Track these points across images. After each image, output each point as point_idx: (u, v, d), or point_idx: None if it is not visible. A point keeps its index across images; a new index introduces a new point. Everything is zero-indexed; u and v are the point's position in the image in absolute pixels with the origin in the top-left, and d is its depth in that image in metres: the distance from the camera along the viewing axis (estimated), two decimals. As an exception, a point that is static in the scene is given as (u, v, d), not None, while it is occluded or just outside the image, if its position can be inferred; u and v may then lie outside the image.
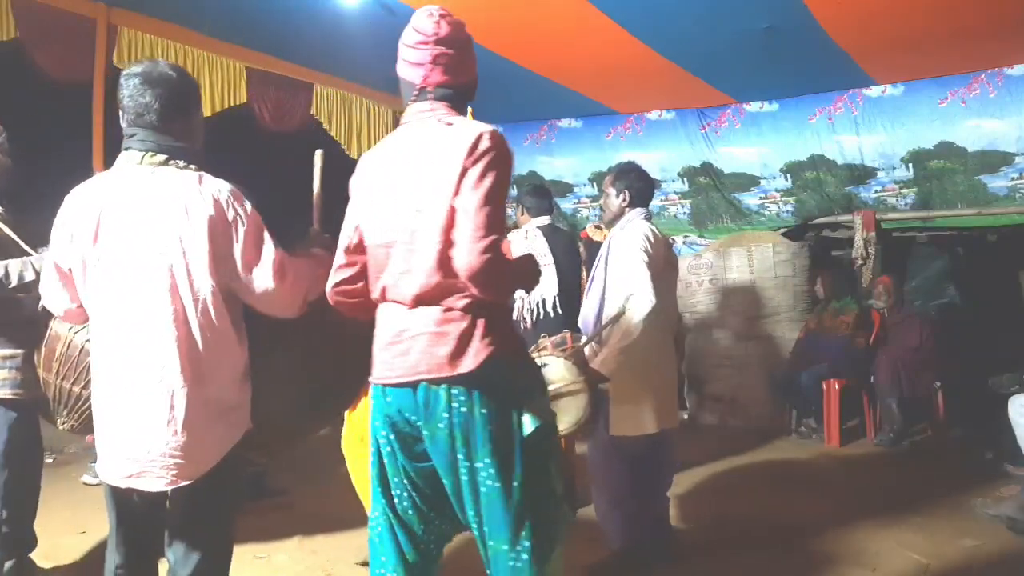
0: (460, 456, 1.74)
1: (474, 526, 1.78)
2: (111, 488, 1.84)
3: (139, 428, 1.74)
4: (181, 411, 1.73)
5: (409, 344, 1.75)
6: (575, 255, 4.10)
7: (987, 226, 5.73)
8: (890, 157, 5.63)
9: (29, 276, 2.45)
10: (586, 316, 3.18)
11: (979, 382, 4.77)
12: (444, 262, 1.71)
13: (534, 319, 3.82)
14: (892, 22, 4.27)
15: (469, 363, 1.71)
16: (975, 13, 4.18)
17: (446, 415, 1.72)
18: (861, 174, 5.80)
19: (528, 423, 1.77)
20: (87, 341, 1.99)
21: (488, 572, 1.81)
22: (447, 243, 1.70)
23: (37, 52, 3.97)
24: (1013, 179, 5.28)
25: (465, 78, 1.89)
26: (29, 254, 2.55)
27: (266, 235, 1.82)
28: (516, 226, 4.27)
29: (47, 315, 2.14)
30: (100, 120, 4.13)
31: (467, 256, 1.65)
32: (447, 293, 1.73)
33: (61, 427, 2.26)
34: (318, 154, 2.18)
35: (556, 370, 2.98)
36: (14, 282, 2.47)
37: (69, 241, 1.80)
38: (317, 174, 2.16)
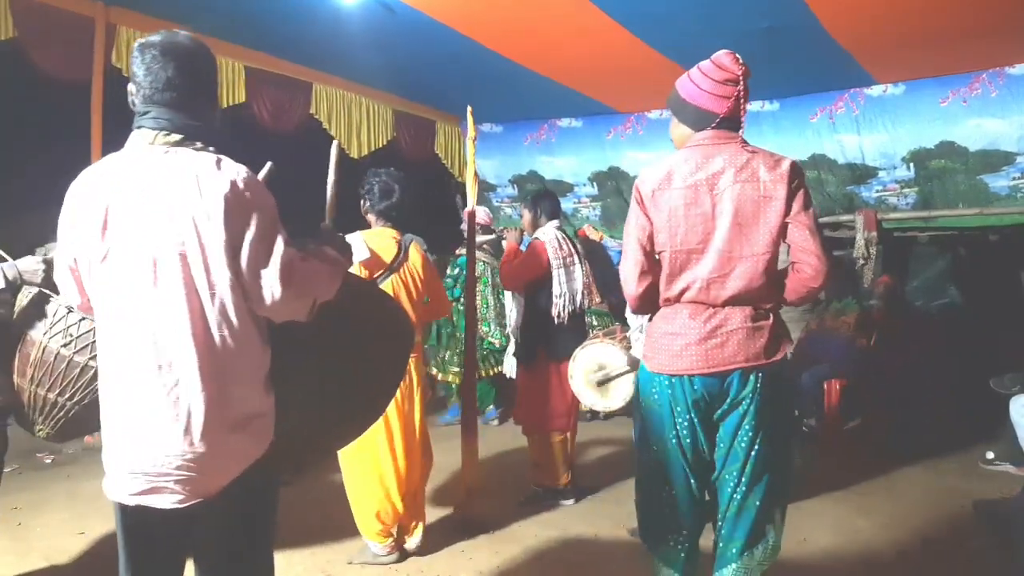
0: (746, 427, 2.13)
1: (730, 481, 2.17)
2: (121, 507, 1.65)
3: (151, 438, 1.57)
4: (199, 419, 1.55)
5: (725, 338, 2.10)
6: (593, 255, 4.25)
7: (988, 226, 5.71)
8: (891, 157, 5.61)
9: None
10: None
11: (980, 382, 4.76)
12: (768, 269, 2.10)
13: (568, 314, 3.96)
14: (893, 21, 4.26)
15: (778, 355, 2.15)
16: (976, 12, 4.17)
17: (750, 395, 2.12)
18: (862, 174, 5.78)
19: (793, 403, 2.31)
20: (63, 346, 1.90)
21: (724, 516, 2.20)
22: (774, 254, 2.10)
23: (35, 51, 3.96)
24: (1014, 179, 5.26)
25: (746, 111, 2.22)
26: (4, 259, 2.37)
27: (279, 233, 1.63)
28: (523, 228, 4.35)
29: (23, 321, 2.08)
30: (99, 120, 4.12)
31: (823, 265, 2.09)
32: (758, 295, 2.12)
33: (37, 434, 2.21)
34: (334, 146, 2.05)
35: (610, 355, 3.57)
36: None
37: (73, 231, 1.63)
38: (333, 167, 2.03)
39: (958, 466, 4.64)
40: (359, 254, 3.07)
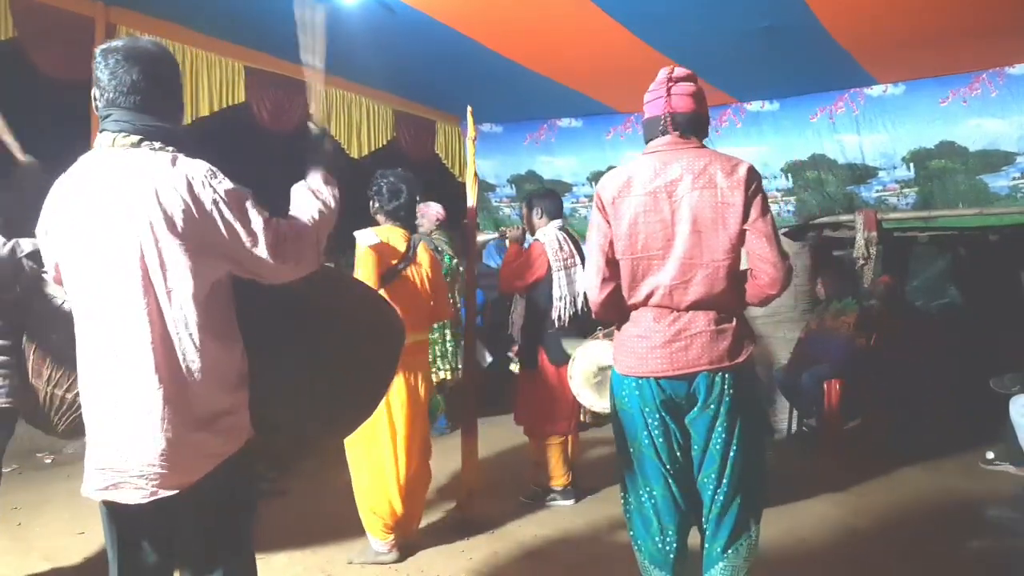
0: (719, 429, 2.16)
1: (710, 484, 2.19)
2: (102, 503, 1.68)
3: (116, 436, 1.59)
4: (157, 416, 1.57)
5: (689, 341, 2.14)
6: None
7: (988, 226, 5.72)
8: (891, 156, 5.62)
9: (27, 247, 2.24)
10: None
11: (980, 382, 4.76)
12: (729, 275, 2.13)
13: (569, 316, 3.94)
14: (893, 21, 4.26)
15: (742, 356, 2.18)
16: (976, 12, 4.17)
17: (719, 397, 2.14)
18: (862, 173, 5.79)
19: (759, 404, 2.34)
20: None
21: (708, 518, 2.21)
22: (735, 260, 2.12)
23: (35, 51, 3.96)
24: (1014, 179, 5.26)
25: (705, 111, 2.27)
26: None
27: (250, 208, 1.64)
28: (525, 228, 4.31)
29: (40, 323, 2.09)
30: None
31: (779, 273, 2.12)
32: (720, 300, 2.15)
33: (49, 432, 2.22)
34: None
35: (609, 353, 3.42)
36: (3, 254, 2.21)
37: (47, 234, 1.67)
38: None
39: (958, 466, 4.64)
40: (368, 239, 3.15)
